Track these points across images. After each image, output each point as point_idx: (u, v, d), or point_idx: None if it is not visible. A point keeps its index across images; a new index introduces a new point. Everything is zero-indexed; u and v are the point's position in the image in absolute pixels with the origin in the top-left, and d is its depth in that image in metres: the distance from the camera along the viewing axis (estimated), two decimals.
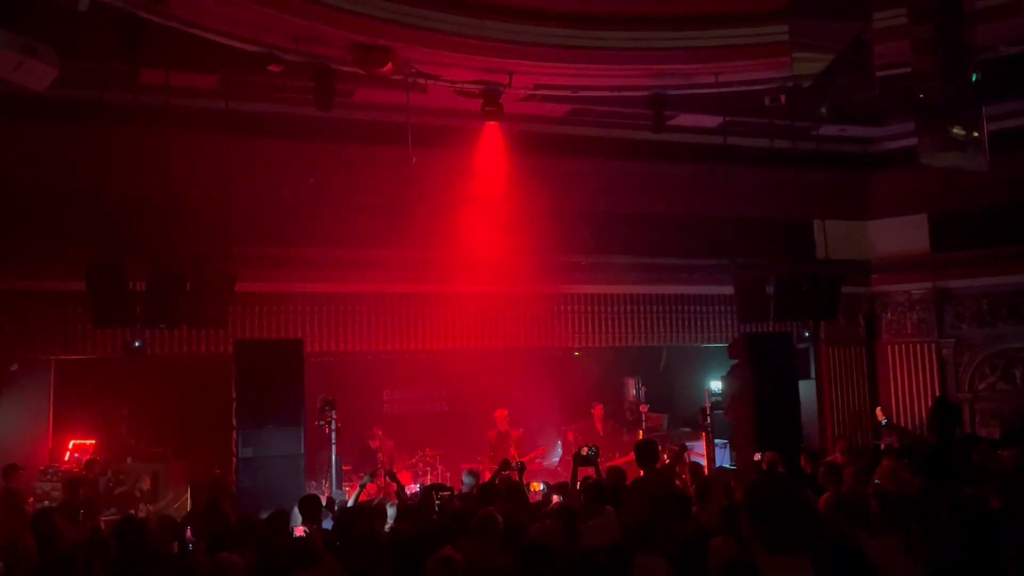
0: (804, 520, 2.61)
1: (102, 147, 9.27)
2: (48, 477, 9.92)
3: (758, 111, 10.40)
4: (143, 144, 9.21)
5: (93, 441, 10.86)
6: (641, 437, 12.18)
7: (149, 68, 8.93)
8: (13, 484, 8.89)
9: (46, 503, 9.30)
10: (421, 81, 9.40)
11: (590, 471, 7.89)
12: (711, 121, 11.58)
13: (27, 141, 9.69)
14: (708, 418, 12.26)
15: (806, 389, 12.48)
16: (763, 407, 10.90)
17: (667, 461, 9.32)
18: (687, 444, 12.47)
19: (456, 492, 8.46)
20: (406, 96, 9.41)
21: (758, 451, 9.85)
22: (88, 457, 10.39)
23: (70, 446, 10.76)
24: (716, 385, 12.54)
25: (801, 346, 12.86)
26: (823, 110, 10.39)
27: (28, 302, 9.97)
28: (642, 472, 7.27)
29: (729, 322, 12.77)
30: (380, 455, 11.08)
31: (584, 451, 8.03)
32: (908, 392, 13.28)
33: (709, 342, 13.12)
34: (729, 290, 11.81)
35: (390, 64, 8.85)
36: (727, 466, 11.29)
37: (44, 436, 10.75)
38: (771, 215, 12.74)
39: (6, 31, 6.72)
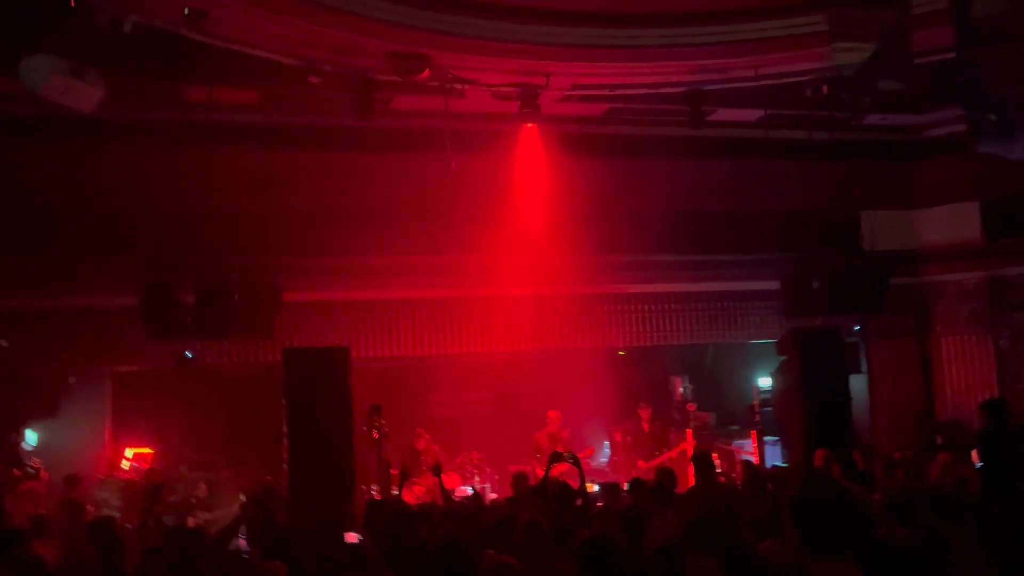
0: (851, 522, 2.54)
1: (148, 165, 9.52)
2: (107, 486, 10.20)
3: (799, 103, 10.25)
4: (188, 160, 9.42)
5: (150, 450, 11.12)
6: (689, 436, 12.09)
7: (192, 86, 9.13)
8: (75, 494, 9.14)
9: (105, 511, 9.56)
10: (458, 86, 9.46)
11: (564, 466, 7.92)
12: (751, 115, 11.44)
13: (76, 162, 9.95)
14: (757, 415, 12.09)
15: (857, 384, 12.23)
16: (813, 403, 10.73)
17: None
18: (737, 442, 12.38)
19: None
20: (444, 102, 9.47)
21: (810, 448, 9.69)
22: (147, 466, 10.65)
23: (128, 455, 11.03)
24: (765, 382, 12.37)
25: (850, 340, 12.62)
26: (866, 99, 10.19)
27: (84, 317, 10.24)
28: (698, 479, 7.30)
29: (775, 318, 12.59)
30: (425, 456, 11.15)
31: (566, 455, 8.08)
32: (964, 385, 12.93)
33: (755, 338, 12.94)
34: (774, 285, 11.65)
35: (427, 71, 8.94)
36: (779, 464, 11.14)
37: (102, 446, 11.05)
38: (815, 208, 12.52)
39: (55, 56, 6.92)
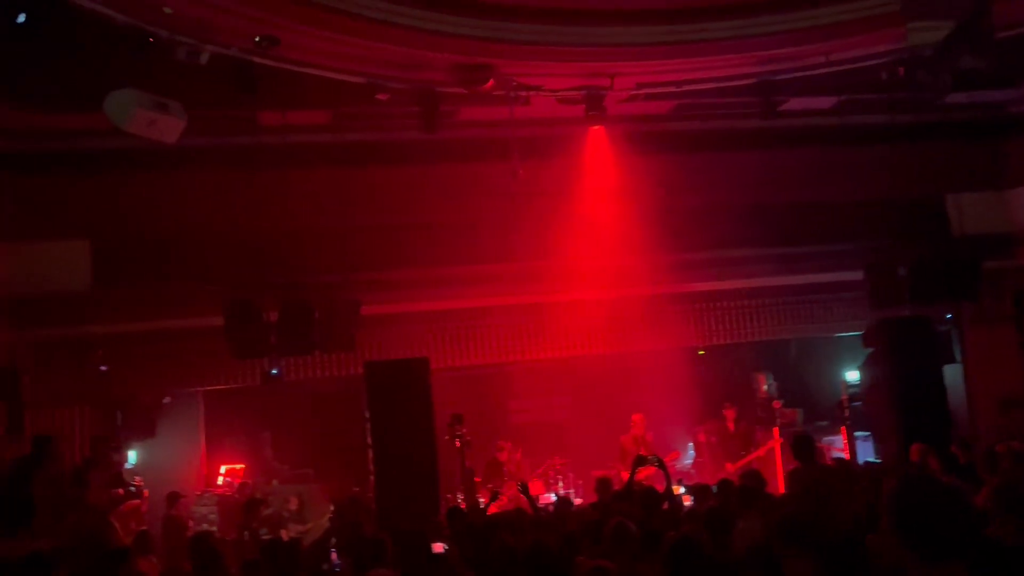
0: (958, 521, 2.40)
1: (227, 189, 9.85)
2: (204, 501, 10.56)
3: (874, 87, 9.92)
4: (264, 182, 9.72)
5: (242, 465, 11.47)
6: (776, 434, 11.81)
7: (265, 110, 9.40)
8: (175, 511, 9.50)
9: (203, 526, 9.89)
10: (523, 93, 9.48)
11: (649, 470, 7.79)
12: (824, 102, 11.13)
13: (159, 191, 10.35)
14: (847, 410, 11.74)
15: (952, 374, 11.74)
16: (906, 396, 10.35)
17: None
18: (826, 439, 12.02)
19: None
20: (509, 110, 9.50)
21: (905, 443, 9.34)
22: (240, 481, 10.98)
23: (222, 471, 11.40)
24: (852, 375, 12.00)
25: (943, 328, 12.13)
26: (946, 79, 9.79)
27: (174, 339, 10.63)
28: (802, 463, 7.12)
29: (860, 309, 12.19)
30: (507, 468, 11.17)
31: (650, 458, 7.93)
32: None
33: (841, 331, 12.57)
34: (858, 275, 11.29)
35: (491, 80, 8.98)
36: (872, 460, 10.79)
37: (198, 463, 11.44)
38: (897, 194, 12.09)
39: (138, 91, 7.22)
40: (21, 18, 6.44)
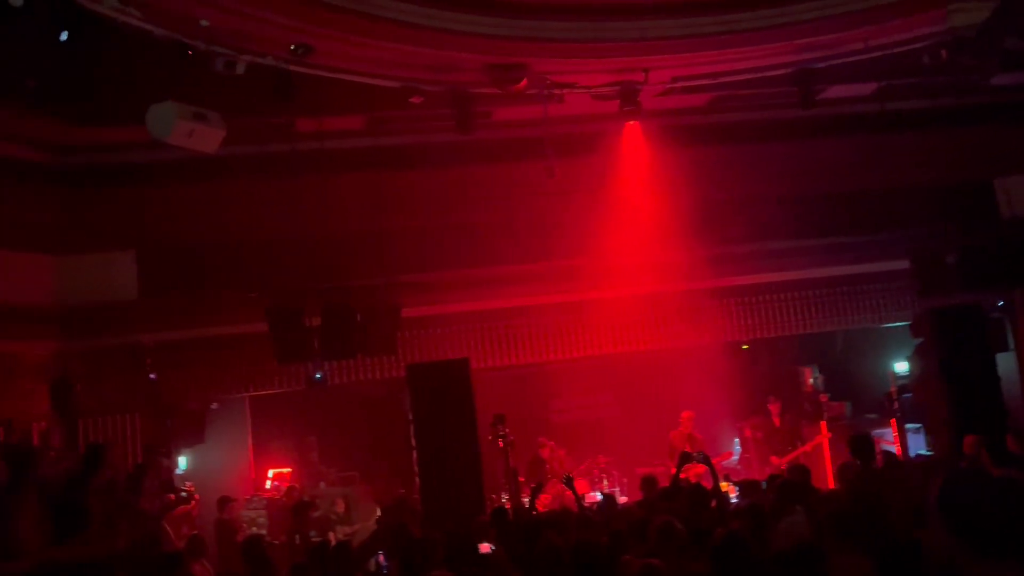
0: (1014, 518, 2.31)
1: (266, 196, 10.00)
2: (253, 505, 10.72)
3: (916, 71, 9.69)
4: (303, 188, 9.83)
5: (289, 469, 11.62)
6: (824, 428, 11.62)
7: (302, 117, 9.50)
8: (226, 515, 9.65)
9: (254, 529, 10.03)
10: (557, 92, 9.44)
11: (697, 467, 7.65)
12: (864, 89, 10.91)
13: (201, 201, 10.52)
14: (896, 402, 11.50)
15: (1005, 362, 11.43)
16: (957, 386, 10.11)
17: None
18: (876, 431, 11.79)
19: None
20: (543, 108, 9.48)
21: (957, 435, 9.13)
22: (287, 484, 11.12)
23: (270, 475, 11.55)
24: (901, 367, 11.75)
25: (994, 316, 11.82)
26: (992, 60, 9.53)
27: (220, 346, 10.81)
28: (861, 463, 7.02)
29: (908, 298, 11.95)
30: (550, 465, 11.14)
31: (696, 455, 7.78)
32: None
33: (887, 321, 12.33)
34: (904, 264, 11.06)
35: (525, 80, 8.97)
36: (924, 452, 10.56)
37: (246, 467, 11.61)
38: (943, 179, 11.81)
39: (179, 103, 7.34)
40: (64, 36, 6.59)
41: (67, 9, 6.62)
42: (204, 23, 7.33)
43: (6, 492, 6.61)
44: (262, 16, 7.45)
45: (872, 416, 12.34)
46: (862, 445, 7.29)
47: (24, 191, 9.90)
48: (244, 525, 10.20)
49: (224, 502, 9.71)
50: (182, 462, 10.67)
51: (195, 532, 8.67)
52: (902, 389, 11.53)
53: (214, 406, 11.14)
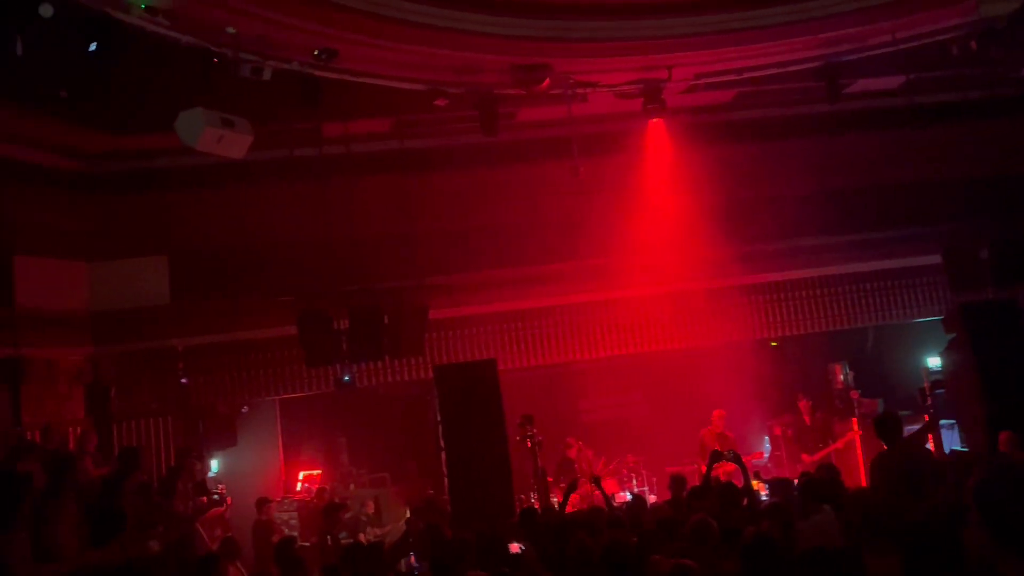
0: None
1: (294, 200, 10.11)
2: (285, 507, 10.80)
3: (945, 63, 9.57)
4: (329, 192, 9.90)
5: (319, 471, 11.69)
6: (855, 425, 11.49)
7: (328, 121, 9.57)
8: (264, 516, 9.76)
9: (285, 531, 10.11)
10: (580, 91, 9.44)
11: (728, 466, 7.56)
12: (892, 82, 10.79)
13: (230, 206, 10.66)
14: (930, 398, 11.33)
15: None
16: (991, 382, 9.92)
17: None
18: (909, 428, 11.63)
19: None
20: (567, 108, 9.48)
21: (992, 430, 8.98)
22: (318, 486, 11.20)
23: (300, 477, 11.63)
24: (934, 362, 11.58)
25: None
26: (1021, 50, 9.38)
27: (250, 350, 10.93)
28: (885, 447, 6.84)
29: (940, 293, 11.79)
30: (578, 464, 11.12)
31: (727, 453, 7.68)
32: None
33: (919, 317, 12.18)
34: (936, 259, 10.91)
35: (548, 80, 8.97)
36: (958, 448, 10.39)
37: (277, 469, 11.71)
38: (973, 173, 11.65)
39: (207, 109, 7.43)
40: (93, 46, 6.69)
41: (95, 19, 6.72)
42: (230, 30, 7.42)
43: (45, 497, 6.72)
44: (287, 22, 7.53)
45: (905, 412, 12.12)
46: (887, 425, 6.86)
47: (57, 199, 10.09)
48: (281, 526, 10.27)
49: (262, 503, 9.82)
50: (214, 465, 10.78)
51: (228, 534, 8.76)
52: (935, 385, 11.35)
53: (245, 409, 11.24)
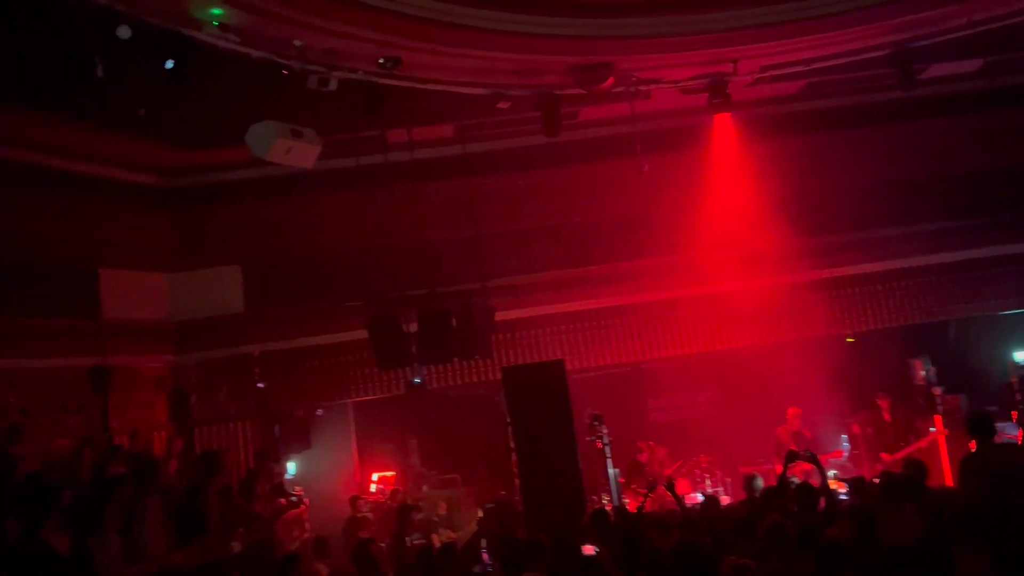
0: None
1: (361, 207, 10.32)
2: (359, 508, 10.96)
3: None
4: (396, 198, 10.06)
5: (393, 472, 11.87)
6: (938, 423, 11.09)
7: (393, 128, 9.72)
8: (356, 512, 9.96)
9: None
10: (644, 88, 9.36)
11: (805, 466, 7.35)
12: (969, 66, 10.39)
13: (300, 214, 10.92)
14: (1017, 394, 10.87)
15: None
16: None
17: None
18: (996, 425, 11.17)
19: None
20: (630, 106, 9.41)
21: None
22: (391, 488, 11.37)
23: (374, 478, 11.83)
24: (1022, 356, 11.12)
25: None
26: None
27: (323, 355, 11.16)
28: (973, 446, 6.62)
29: None
30: (649, 467, 11.00)
31: (803, 453, 7.49)
32: None
33: (1005, 309, 11.69)
34: (1021, 248, 10.48)
35: (611, 78, 8.92)
36: None
37: (351, 471, 11.93)
38: None
39: (277, 122, 7.63)
40: (169, 64, 6.94)
41: (171, 38, 6.96)
42: (298, 43, 7.59)
43: (134, 500, 7.00)
44: (352, 32, 7.67)
45: (991, 409, 11.68)
46: (980, 423, 6.61)
47: (137, 213, 10.51)
48: (371, 524, 10.40)
49: (354, 501, 10.07)
50: (291, 467, 11.04)
51: (306, 535, 8.96)
52: (1023, 379, 10.90)
53: (319, 412, 11.48)
